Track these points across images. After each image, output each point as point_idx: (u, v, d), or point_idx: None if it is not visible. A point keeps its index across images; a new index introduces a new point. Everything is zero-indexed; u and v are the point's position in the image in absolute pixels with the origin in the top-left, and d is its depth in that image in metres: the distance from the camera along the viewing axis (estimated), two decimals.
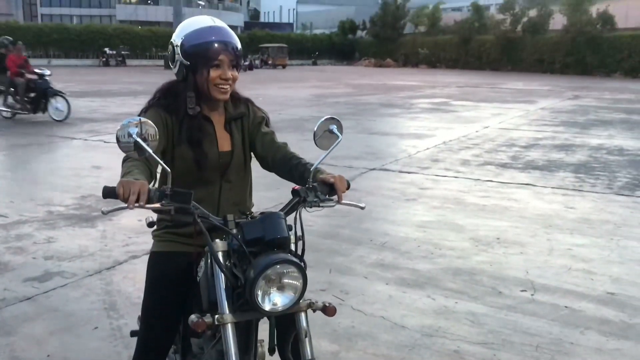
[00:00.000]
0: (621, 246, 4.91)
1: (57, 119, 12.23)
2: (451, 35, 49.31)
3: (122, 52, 44.97)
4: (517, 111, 16.07)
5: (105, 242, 4.83)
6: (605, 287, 4.03)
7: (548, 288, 3.99)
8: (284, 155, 2.11)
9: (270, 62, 47.53)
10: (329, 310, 1.81)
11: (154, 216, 2.01)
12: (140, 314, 2.17)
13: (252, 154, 2.18)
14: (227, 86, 2.00)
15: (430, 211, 5.92)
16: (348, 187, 1.94)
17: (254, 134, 2.16)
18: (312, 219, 4.95)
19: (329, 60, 58.27)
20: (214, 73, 1.96)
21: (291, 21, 77.43)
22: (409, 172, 7.83)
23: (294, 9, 79.23)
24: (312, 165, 1.97)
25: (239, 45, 2.01)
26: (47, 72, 12.59)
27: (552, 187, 7.05)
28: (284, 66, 47.03)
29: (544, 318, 3.53)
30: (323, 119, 2.00)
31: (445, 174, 7.74)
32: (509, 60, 45.00)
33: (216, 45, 1.94)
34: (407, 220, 5.65)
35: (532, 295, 3.88)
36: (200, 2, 54.54)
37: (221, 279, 1.71)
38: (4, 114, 12.76)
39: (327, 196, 1.91)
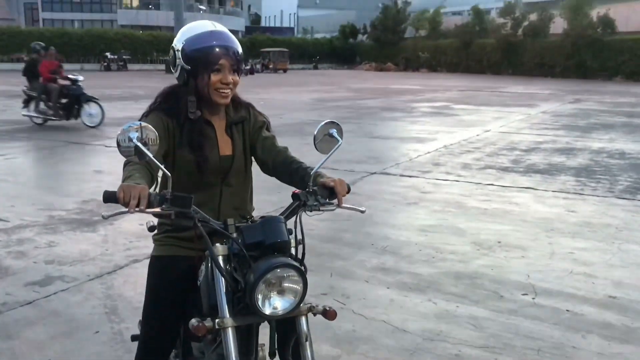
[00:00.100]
0: (623, 250, 4.90)
1: (90, 125, 12.01)
2: (452, 39, 49.36)
3: (124, 57, 45.06)
4: (518, 115, 16.07)
5: (107, 246, 4.83)
6: (607, 290, 4.03)
7: (549, 292, 3.98)
8: (284, 159, 2.11)
9: (271, 66, 47.61)
10: (329, 314, 1.81)
11: (154, 220, 2.02)
12: (141, 318, 2.17)
13: (252, 158, 2.19)
14: (228, 90, 2.00)
15: (431, 215, 5.92)
16: (348, 191, 1.94)
17: (254, 138, 2.16)
18: (313, 222, 4.93)
19: (329, 65, 58.34)
20: (214, 77, 1.96)
21: (292, 25, 77.56)
22: (410, 176, 7.82)
23: (295, 14, 79.38)
24: (312, 169, 1.97)
25: (240, 50, 2.01)
26: (80, 77, 12.34)
27: (553, 191, 7.05)
28: (285, 70, 47.10)
29: (545, 322, 3.53)
30: (323, 123, 2.00)
31: (447, 177, 7.74)
32: (510, 64, 45.03)
33: (217, 49, 1.95)
34: (408, 224, 5.65)
35: (533, 299, 3.87)
36: (201, 7, 54.69)
37: (221, 283, 1.72)
38: (36, 120, 12.50)
39: (327, 200, 1.91)
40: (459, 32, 48.81)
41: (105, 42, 45.67)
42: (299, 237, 1.82)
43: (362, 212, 2.03)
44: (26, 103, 12.55)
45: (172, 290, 2.03)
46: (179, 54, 1.98)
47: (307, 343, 1.77)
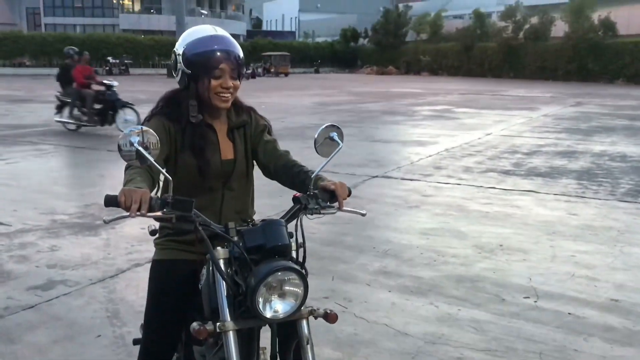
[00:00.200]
0: (625, 253, 4.90)
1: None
2: (453, 43, 49.38)
3: (125, 61, 45.12)
4: (519, 118, 16.07)
5: (109, 250, 4.84)
6: (609, 293, 4.02)
7: (551, 295, 3.98)
8: (285, 163, 2.11)
9: (272, 70, 47.65)
10: (330, 317, 1.81)
11: (156, 224, 2.02)
12: (142, 322, 2.17)
13: (254, 162, 2.19)
14: (228, 95, 2.01)
15: (433, 218, 5.92)
16: (349, 194, 1.95)
17: (256, 142, 2.17)
18: (314, 226, 4.96)
19: (331, 68, 58.38)
20: (214, 82, 1.97)
21: (293, 29, 77.66)
22: (411, 180, 7.83)
23: (296, 17, 79.50)
24: (313, 172, 1.98)
25: (241, 54, 2.02)
26: (115, 83, 12.16)
27: (554, 194, 7.04)
28: (286, 74, 47.14)
29: (547, 325, 3.52)
30: (323, 127, 2.00)
31: (448, 181, 7.74)
32: (511, 68, 45.04)
33: (217, 54, 1.95)
34: (410, 227, 5.65)
35: (535, 302, 3.87)
36: (202, 11, 54.79)
37: (222, 287, 1.72)
38: (69, 126, 12.31)
39: (328, 203, 1.92)
40: (460, 36, 48.82)
41: (107, 47, 45.76)
42: (300, 240, 1.82)
43: (363, 215, 2.03)
44: (59, 109, 12.31)
45: (174, 294, 2.03)
46: (180, 58, 1.99)
47: (309, 346, 1.77)
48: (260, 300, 1.63)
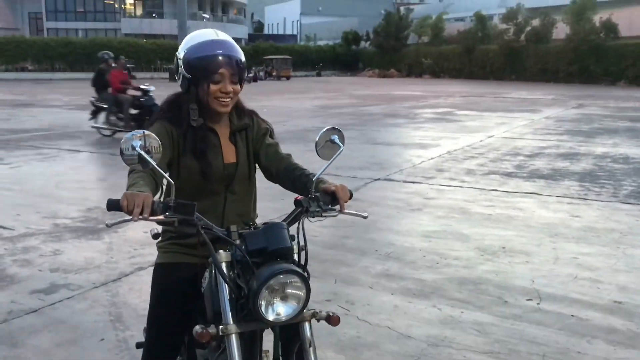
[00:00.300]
0: (627, 254, 4.89)
1: None
2: (454, 45, 49.37)
3: (128, 65, 45.19)
4: (521, 120, 16.07)
5: (111, 254, 4.85)
6: (612, 295, 4.02)
7: (554, 297, 3.98)
8: (287, 166, 2.12)
9: (274, 73, 47.71)
10: (332, 320, 1.81)
11: (158, 228, 2.03)
12: (145, 325, 2.18)
13: (256, 165, 2.20)
14: (228, 100, 2.02)
15: (435, 221, 5.91)
16: (350, 197, 1.95)
17: (258, 146, 2.17)
18: (316, 229, 4.94)
19: (332, 71, 58.40)
20: (214, 86, 1.98)
21: (295, 33, 77.73)
22: (413, 182, 7.83)
23: (297, 21, 79.58)
24: (314, 175, 1.98)
25: (242, 58, 2.02)
26: (152, 88, 11.97)
27: (557, 196, 7.04)
28: (288, 78, 47.19)
29: (550, 327, 3.52)
30: (325, 129, 2.01)
31: (450, 183, 7.74)
32: (513, 70, 45.00)
33: (217, 59, 1.96)
34: (412, 230, 5.65)
35: (538, 304, 3.86)
36: (204, 15, 54.93)
37: (225, 290, 1.72)
38: (104, 132, 12.15)
39: (329, 206, 1.92)
40: (462, 38, 48.81)
41: (109, 51, 45.88)
42: (302, 243, 1.83)
43: (365, 217, 2.04)
44: (94, 114, 12.17)
45: (176, 297, 2.04)
46: (180, 62, 2.00)
47: (311, 349, 1.77)
48: (263, 303, 1.64)
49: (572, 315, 3.69)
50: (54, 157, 9.78)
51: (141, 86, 11.89)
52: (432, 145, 11.30)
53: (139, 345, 2.37)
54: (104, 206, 1.71)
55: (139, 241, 5.05)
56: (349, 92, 30.04)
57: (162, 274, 2.10)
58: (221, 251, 1.77)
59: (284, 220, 1.89)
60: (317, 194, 1.92)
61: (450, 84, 38.93)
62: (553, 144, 11.58)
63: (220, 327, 1.68)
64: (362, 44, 61.26)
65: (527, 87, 35.40)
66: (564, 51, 41.18)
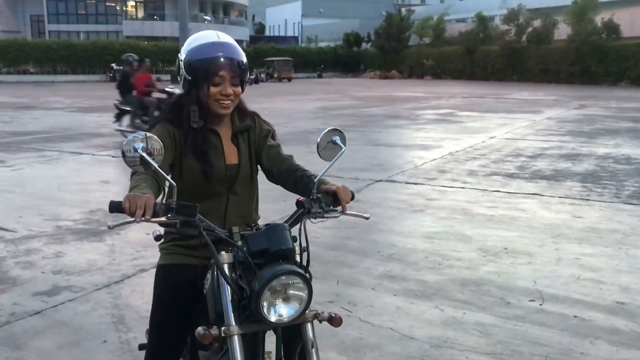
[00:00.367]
0: (630, 255, 4.89)
1: None
2: (456, 46, 49.36)
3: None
4: (523, 121, 16.05)
5: (114, 256, 4.85)
6: (615, 296, 4.01)
7: (557, 298, 3.97)
8: (289, 167, 2.12)
9: (275, 75, 47.73)
10: (335, 321, 1.81)
11: (161, 230, 2.03)
12: (148, 327, 2.18)
13: (258, 166, 2.20)
14: (228, 102, 2.02)
15: (437, 222, 5.91)
16: (352, 198, 1.95)
17: (260, 147, 2.17)
18: (318, 230, 4.96)
19: (334, 73, 58.42)
20: (214, 89, 1.98)
21: (296, 34, 77.76)
22: (415, 183, 7.83)
23: (299, 23, 79.62)
24: (316, 176, 1.98)
25: (244, 60, 2.02)
26: (177, 90, 11.95)
27: (559, 197, 7.03)
28: (289, 79, 47.21)
29: (553, 328, 3.52)
30: (326, 130, 2.01)
31: (452, 184, 7.73)
32: (514, 71, 44.98)
33: (217, 61, 1.96)
34: (415, 231, 5.65)
35: (540, 305, 3.86)
36: (206, 17, 54.99)
37: (227, 291, 1.72)
38: (129, 135, 12.12)
39: (331, 207, 1.92)
40: (463, 39, 48.80)
41: (110, 53, 45.90)
42: (304, 244, 1.83)
43: (367, 218, 2.04)
44: (118, 117, 12.10)
45: (179, 299, 2.04)
46: (182, 64, 2.01)
47: (313, 350, 1.77)
48: (265, 304, 1.64)
49: (575, 316, 3.69)
50: (56, 159, 9.79)
51: (166, 88, 11.75)
52: (434, 146, 11.30)
53: (141, 347, 2.37)
54: (106, 208, 1.71)
55: (141, 243, 5.05)
56: (350, 93, 30.05)
57: (165, 276, 2.10)
58: (223, 252, 1.77)
59: (285, 222, 1.89)
60: (319, 195, 1.92)
61: (451, 85, 38.92)
62: (555, 144, 11.57)
63: (223, 328, 1.68)
64: (364, 45, 61.27)
65: (529, 88, 35.38)
66: (566, 52, 41.15)
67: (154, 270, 2.18)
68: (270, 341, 1.88)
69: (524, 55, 44.05)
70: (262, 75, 46.31)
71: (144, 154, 1.66)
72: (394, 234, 5.51)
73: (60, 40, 47.96)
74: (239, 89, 2.04)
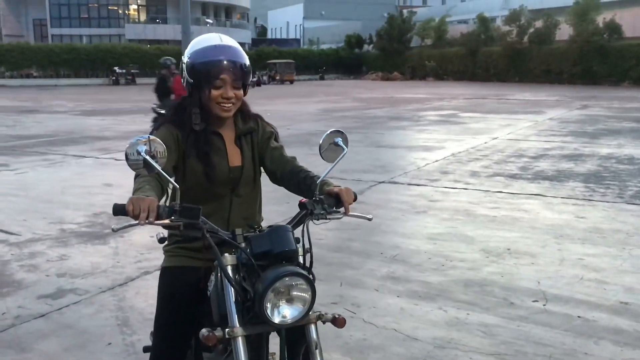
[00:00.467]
0: (633, 255, 4.88)
1: None
2: (458, 48, 49.34)
3: (132, 71, 45.37)
4: (525, 122, 16.04)
5: (118, 258, 4.86)
6: (619, 296, 4.01)
7: (560, 298, 3.97)
8: (292, 169, 2.13)
9: (278, 78, 47.76)
10: (338, 322, 1.81)
11: (164, 232, 2.05)
12: (152, 329, 2.19)
13: (261, 168, 2.21)
14: (230, 105, 2.03)
15: (440, 223, 5.91)
16: (355, 199, 1.96)
17: (263, 149, 2.18)
18: (321, 232, 4.97)
19: (336, 75, 58.43)
20: (215, 92, 1.99)
21: (298, 37, 77.83)
22: (418, 185, 7.83)
23: (300, 25, 79.71)
24: (319, 177, 1.99)
25: (246, 63, 2.03)
26: None
27: (562, 197, 7.03)
28: (291, 82, 47.23)
29: (556, 328, 3.51)
30: (328, 132, 2.02)
31: (455, 185, 7.73)
32: (516, 72, 44.94)
33: (218, 64, 1.97)
34: (417, 232, 5.65)
35: (544, 305, 3.86)
36: (208, 20, 55.04)
37: (231, 293, 1.73)
38: None
39: (334, 208, 1.93)
40: (465, 41, 48.79)
41: (113, 57, 46.05)
42: (307, 245, 1.84)
43: (369, 219, 2.04)
44: (156, 121, 12.06)
45: (183, 301, 2.05)
46: (184, 67, 2.02)
47: (317, 351, 1.77)
48: (269, 305, 1.64)
49: (579, 317, 3.68)
50: (59, 162, 9.82)
51: None
52: (437, 147, 11.30)
53: (146, 349, 2.38)
54: (110, 211, 1.72)
55: (145, 245, 5.07)
56: (352, 95, 30.06)
57: (169, 278, 2.11)
58: (226, 254, 1.78)
59: (288, 223, 1.90)
60: (322, 197, 1.93)
61: (453, 86, 38.91)
62: (557, 145, 11.56)
63: (227, 330, 1.69)
64: (365, 47, 61.28)
65: (531, 88, 35.35)
66: (568, 52, 41.11)
67: (158, 272, 2.19)
68: (274, 342, 1.88)
69: (526, 56, 44.02)
70: (265, 78, 46.36)
71: (147, 157, 1.67)
72: (397, 236, 5.51)
73: (63, 44, 48.06)
74: (241, 92, 2.04)
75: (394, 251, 5.01)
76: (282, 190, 2.20)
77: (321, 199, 1.92)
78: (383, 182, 8.04)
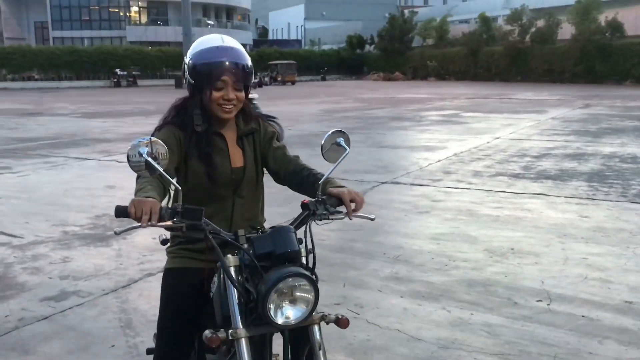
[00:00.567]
0: (637, 254, 4.86)
1: None
2: (459, 47, 49.32)
3: (133, 73, 45.46)
4: (527, 121, 16.02)
5: (120, 260, 4.86)
6: (623, 296, 3.99)
7: (564, 298, 3.96)
8: (295, 167, 2.13)
9: (279, 79, 47.77)
10: (342, 322, 1.80)
11: (167, 234, 2.04)
12: (156, 331, 2.18)
13: (264, 169, 2.21)
14: (231, 106, 2.02)
15: (443, 223, 5.90)
16: (361, 201, 1.95)
17: (265, 149, 2.18)
18: (324, 233, 4.96)
19: (337, 76, 58.43)
20: (216, 93, 1.98)
21: (299, 37, 77.88)
22: (420, 185, 7.82)
23: (302, 26, 79.76)
24: (322, 176, 1.98)
25: (249, 64, 2.02)
26: (256, 95, 11.79)
27: (565, 197, 7.01)
28: (293, 82, 47.23)
29: (561, 328, 3.50)
30: (330, 132, 2.02)
31: (457, 185, 7.72)
32: (518, 71, 44.91)
33: (219, 66, 1.96)
34: (420, 232, 5.64)
35: (548, 305, 3.84)
36: (209, 22, 55.11)
37: (234, 294, 1.73)
38: None
39: (336, 209, 1.92)
40: (467, 40, 48.77)
41: (114, 59, 46.12)
42: (309, 246, 1.83)
43: (372, 219, 2.03)
44: None
45: (186, 302, 2.04)
46: (186, 68, 2.02)
47: (321, 352, 1.77)
48: (272, 306, 1.64)
49: (583, 316, 3.67)
50: (61, 165, 9.83)
51: (249, 95, 11.66)
52: (439, 147, 11.28)
53: (149, 351, 2.38)
54: (112, 213, 1.72)
55: (148, 247, 5.07)
56: (354, 95, 30.06)
57: (172, 279, 2.11)
58: (229, 255, 1.78)
59: (291, 224, 1.89)
60: (324, 197, 1.92)
61: (455, 86, 38.88)
62: (560, 144, 11.54)
63: (230, 331, 1.68)
64: (367, 47, 61.29)
65: (533, 88, 35.31)
66: (570, 51, 41.07)
67: (161, 274, 2.19)
68: (278, 344, 1.88)
69: (528, 55, 43.98)
70: (266, 79, 46.38)
71: (149, 159, 1.67)
72: (400, 236, 5.50)
73: (65, 47, 48.15)
74: (242, 94, 2.04)
75: (397, 251, 5.00)
76: (284, 191, 2.20)
77: (323, 199, 1.92)
78: (385, 182, 8.03)
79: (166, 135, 1.99)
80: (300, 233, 1.85)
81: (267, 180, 2.23)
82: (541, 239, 5.30)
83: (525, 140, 12.26)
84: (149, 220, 1.64)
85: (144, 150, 1.67)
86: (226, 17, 62.78)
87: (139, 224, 1.64)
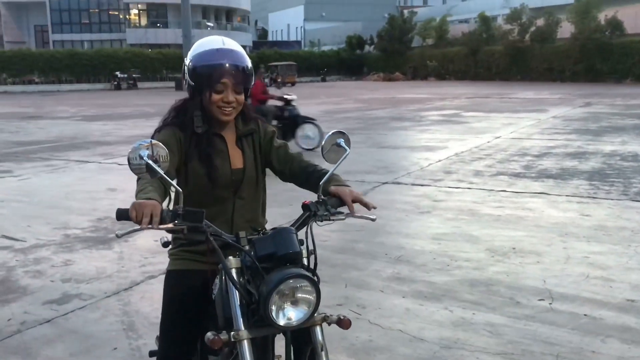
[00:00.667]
0: (639, 252, 4.86)
1: (306, 147, 10.49)
2: (459, 47, 49.28)
3: (133, 75, 45.48)
4: (528, 120, 16.01)
5: (122, 263, 4.87)
6: (625, 294, 3.99)
7: (566, 297, 3.95)
8: (299, 164, 2.14)
9: (279, 80, 47.77)
10: (344, 323, 1.81)
11: (168, 236, 2.05)
12: (158, 333, 2.18)
13: (265, 170, 2.21)
14: (230, 109, 2.02)
15: (444, 223, 5.90)
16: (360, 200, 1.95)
17: (267, 150, 2.18)
18: (326, 233, 4.96)
19: (337, 76, 58.42)
20: (216, 96, 1.98)
21: (299, 39, 77.90)
22: (421, 185, 7.82)
23: (301, 27, 79.79)
24: (326, 172, 1.99)
25: (249, 65, 2.02)
26: (294, 97, 11.27)
27: (566, 195, 7.01)
28: (293, 83, 47.22)
29: (563, 327, 3.50)
30: (330, 133, 2.02)
31: (459, 185, 7.72)
32: (518, 70, 44.88)
33: (220, 68, 1.96)
34: (422, 232, 5.64)
35: (550, 304, 3.84)
36: (209, 24, 55.09)
37: (235, 296, 1.73)
38: None
39: (337, 209, 1.93)
40: (466, 40, 48.74)
41: (115, 62, 46.14)
42: (311, 247, 1.83)
43: (373, 220, 2.03)
44: None
45: (188, 304, 2.04)
46: (186, 69, 2.02)
47: (323, 353, 1.77)
48: (274, 308, 1.64)
49: (585, 315, 3.67)
50: (62, 168, 9.84)
51: (285, 96, 11.36)
52: (440, 147, 11.28)
53: (152, 353, 2.38)
54: (114, 216, 1.72)
55: (150, 250, 5.07)
56: (354, 96, 30.06)
57: (174, 281, 2.11)
58: (231, 257, 1.78)
59: (292, 225, 1.89)
60: (325, 198, 1.93)
61: (455, 86, 38.87)
62: (561, 143, 11.53)
63: (232, 333, 1.68)
64: (367, 48, 61.27)
65: (533, 87, 35.29)
66: (570, 50, 41.04)
67: (163, 276, 2.19)
68: (280, 345, 1.88)
69: (528, 54, 43.96)
70: (266, 80, 46.36)
71: (150, 161, 1.67)
72: (402, 236, 5.50)
73: (65, 50, 48.21)
74: (242, 96, 2.04)
75: (399, 252, 5.00)
76: (285, 192, 2.20)
77: (324, 200, 1.92)
78: (386, 182, 8.03)
79: (167, 136, 2.00)
80: (301, 234, 1.85)
81: (269, 181, 2.23)
82: (543, 238, 5.30)
83: (526, 139, 12.26)
84: (150, 222, 1.64)
85: (145, 153, 1.68)
86: (226, 19, 62.82)
87: (140, 226, 1.64)
